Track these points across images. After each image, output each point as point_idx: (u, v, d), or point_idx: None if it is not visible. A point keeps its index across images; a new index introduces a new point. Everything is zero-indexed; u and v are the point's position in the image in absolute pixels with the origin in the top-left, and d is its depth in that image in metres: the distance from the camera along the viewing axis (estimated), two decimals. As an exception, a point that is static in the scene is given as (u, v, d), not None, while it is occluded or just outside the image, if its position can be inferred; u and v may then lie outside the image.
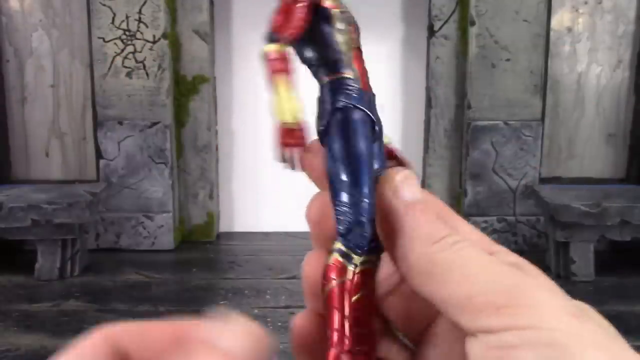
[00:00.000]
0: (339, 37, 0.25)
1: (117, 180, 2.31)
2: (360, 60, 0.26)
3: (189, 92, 2.36)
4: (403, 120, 2.49)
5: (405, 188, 0.23)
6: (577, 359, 0.18)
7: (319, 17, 0.25)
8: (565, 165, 2.41)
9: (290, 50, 0.24)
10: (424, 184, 2.46)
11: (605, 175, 2.39)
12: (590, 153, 2.40)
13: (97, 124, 2.29)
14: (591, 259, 2.08)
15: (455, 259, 0.21)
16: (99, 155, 2.31)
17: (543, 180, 2.34)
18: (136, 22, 2.22)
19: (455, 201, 2.43)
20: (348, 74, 0.25)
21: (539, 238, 2.32)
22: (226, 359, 0.20)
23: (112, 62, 2.25)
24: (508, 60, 2.24)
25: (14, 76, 2.33)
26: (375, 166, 0.24)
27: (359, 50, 0.26)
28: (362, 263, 0.23)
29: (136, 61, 2.24)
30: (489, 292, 0.20)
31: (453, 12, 2.30)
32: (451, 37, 2.32)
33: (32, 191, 2.15)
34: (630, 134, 2.37)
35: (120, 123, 2.28)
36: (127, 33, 2.23)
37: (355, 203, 0.23)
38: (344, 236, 0.23)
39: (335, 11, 0.25)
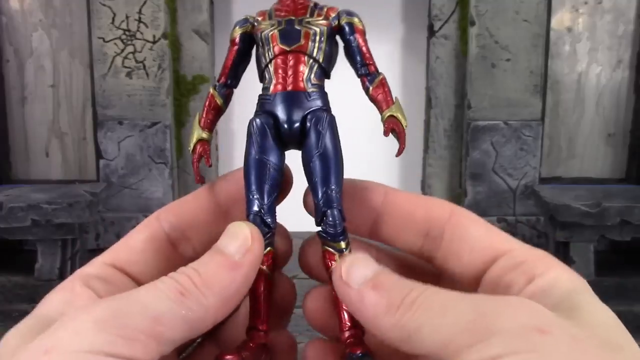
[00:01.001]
0: (261, 51, 0.30)
1: (117, 180, 2.31)
2: (287, 60, 0.29)
3: (189, 92, 2.36)
4: (403, 120, 2.49)
5: (353, 274, 0.24)
6: None
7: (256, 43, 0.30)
8: (565, 165, 2.41)
9: (219, 93, 0.31)
10: (424, 184, 2.46)
11: (605, 175, 2.39)
12: (590, 153, 2.40)
13: (97, 124, 2.29)
14: (591, 259, 2.07)
15: (419, 315, 0.22)
16: (99, 155, 2.30)
17: (543, 180, 2.34)
18: (136, 22, 2.22)
19: (456, 201, 2.43)
20: (265, 83, 0.29)
21: (539, 238, 2.32)
22: (227, 262, 0.25)
23: (112, 62, 2.25)
24: (508, 60, 2.24)
25: (14, 76, 2.33)
26: (314, 150, 0.27)
27: (291, 52, 0.29)
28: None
29: (136, 61, 2.24)
30: (457, 335, 0.21)
31: (453, 12, 2.30)
32: (451, 37, 2.32)
33: (32, 191, 2.15)
34: (630, 133, 2.37)
35: (120, 123, 2.27)
36: (127, 33, 2.23)
37: (248, 201, 0.27)
38: None
39: (260, 33, 0.30)
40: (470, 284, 0.26)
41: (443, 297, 0.22)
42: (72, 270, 2.26)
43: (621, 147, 2.39)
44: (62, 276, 2.05)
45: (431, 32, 2.34)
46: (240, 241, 0.25)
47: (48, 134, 2.38)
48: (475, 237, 0.26)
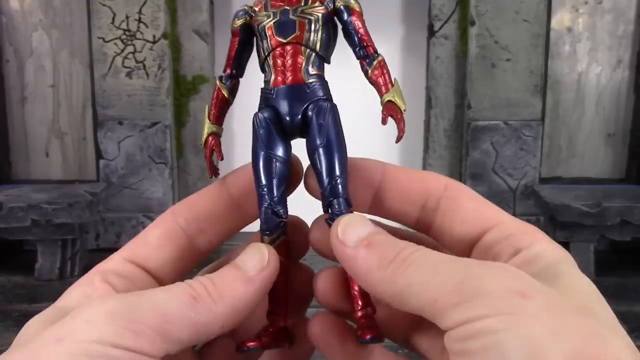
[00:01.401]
0: (260, 43, 0.30)
1: (117, 180, 2.31)
2: (285, 53, 0.29)
3: (189, 92, 2.36)
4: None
5: (349, 234, 0.26)
6: (513, 342, 0.20)
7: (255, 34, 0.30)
8: (565, 165, 2.41)
9: (225, 85, 0.31)
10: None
11: (605, 175, 2.39)
12: (590, 153, 2.40)
13: (97, 124, 2.29)
14: (591, 259, 2.08)
15: (411, 272, 0.23)
16: (99, 155, 2.31)
17: (543, 180, 2.34)
18: (136, 22, 2.22)
19: (455, 201, 2.43)
20: (265, 76, 0.30)
21: (539, 238, 2.32)
22: (242, 276, 0.26)
23: (112, 62, 2.25)
24: (508, 60, 2.24)
25: (14, 76, 2.33)
26: (317, 141, 0.28)
27: (287, 44, 0.29)
28: (272, 242, 0.29)
29: (136, 61, 2.24)
30: (445, 294, 0.22)
31: (453, 12, 2.30)
32: (451, 37, 2.32)
33: (32, 191, 2.15)
34: (630, 133, 2.37)
35: (120, 123, 2.28)
36: (127, 33, 2.23)
37: (259, 195, 0.28)
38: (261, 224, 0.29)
39: (257, 24, 0.30)
40: (463, 254, 0.28)
41: (434, 258, 0.24)
42: (72, 271, 2.26)
43: (621, 147, 2.39)
44: (62, 276, 2.06)
45: (431, 32, 2.34)
46: (257, 260, 0.27)
47: (48, 134, 2.38)
48: (467, 209, 0.28)
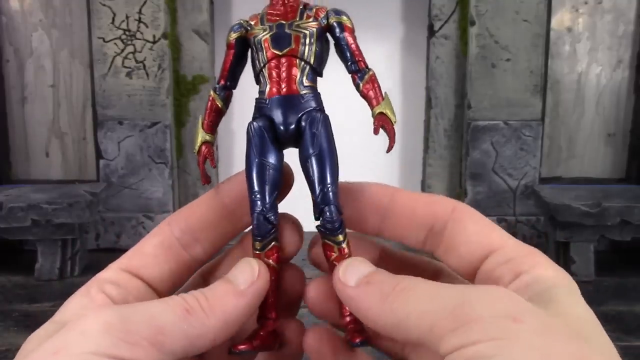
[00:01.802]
0: (255, 55, 0.31)
1: (117, 180, 2.31)
2: (280, 64, 0.30)
3: (189, 92, 2.36)
4: (403, 120, 2.49)
5: (349, 275, 0.27)
6: None
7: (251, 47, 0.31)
8: (565, 165, 2.41)
9: (219, 95, 0.32)
10: (424, 184, 2.46)
11: (605, 175, 2.39)
12: (590, 153, 2.40)
13: (97, 124, 2.29)
14: (591, 259, 2.07)
15: (409, 301, 0.24)
16: (99, 155, 2.31)
17: (543, 180, 2.34)
18: (136, 22, 2.22)
19: (455, 201, 2.43)
20: (260, 87, 0.31)
21: (539, 238, 2.32)
22: (233, 290, 0.27)
23: (112, 62, 2.25)
24: (508, 60, 2.24)
25: (14, 76, 2.33)
26: (310, 150, 0.29)
27: (283, 56, 0.30)
28: (263, 247, 0.29)
29: (136, 61, 2.24)
30: (441, 320, 0.23)
31: (453, 12, 2.30)
32: (451, 37, 2.32)
33: (32, 191, 2.15)
34: (630, 133, 2.37)
35: (120, 123, 2.28)
36: (127, 33, 2.23)
37: (251, 201, 0.29)
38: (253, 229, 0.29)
39: (253, 37, 0.31)
40: (468, 276, 0.28)
41: (430, 286, 0.24)
42: (72, 271, 2.26)
43: (621, 147, 2.39)
44: (62, 276, 2.06)
45: (431, 32, 2.34)
46: (247, 274, 0.28)
47: (48, 134, 2.38)
48: (472, 232, 0.28)
